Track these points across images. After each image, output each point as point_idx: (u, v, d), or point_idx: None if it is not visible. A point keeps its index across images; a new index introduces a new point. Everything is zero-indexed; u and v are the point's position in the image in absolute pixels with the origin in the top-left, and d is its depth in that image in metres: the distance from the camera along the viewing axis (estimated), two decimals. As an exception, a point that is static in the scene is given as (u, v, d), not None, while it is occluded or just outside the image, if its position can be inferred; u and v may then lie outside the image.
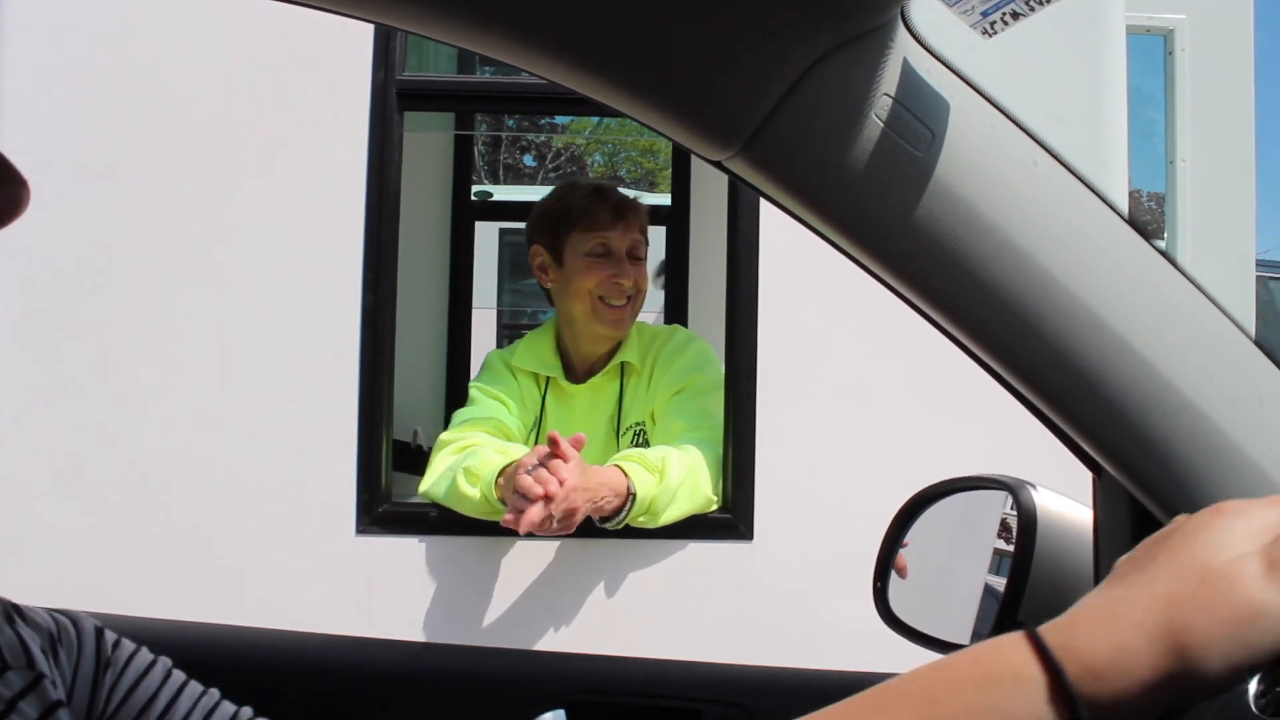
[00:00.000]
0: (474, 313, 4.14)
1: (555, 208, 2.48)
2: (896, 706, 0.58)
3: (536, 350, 2.52)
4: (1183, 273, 0.87)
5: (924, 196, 0.78)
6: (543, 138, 16.30)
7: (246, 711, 0.89)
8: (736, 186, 2.18)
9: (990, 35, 0.74)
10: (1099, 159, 2.22)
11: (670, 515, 2.07)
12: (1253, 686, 0.78)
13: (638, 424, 2.38)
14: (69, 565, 2.07)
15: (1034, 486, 1.19)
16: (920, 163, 0.78)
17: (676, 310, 3.97)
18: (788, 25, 0.71)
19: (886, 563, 1.29)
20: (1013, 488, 1.19)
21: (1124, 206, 0.90)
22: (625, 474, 2.02)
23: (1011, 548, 1.19)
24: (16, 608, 0.82)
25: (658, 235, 3.05)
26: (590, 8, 0.71)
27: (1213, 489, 0.87)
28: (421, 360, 3.87)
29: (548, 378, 2.48)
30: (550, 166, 17.18)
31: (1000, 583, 1.19)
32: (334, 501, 2.12)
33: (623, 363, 2.44)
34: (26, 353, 2.14)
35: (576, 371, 2.50)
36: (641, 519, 2.04)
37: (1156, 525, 0.91)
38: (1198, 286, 0.88)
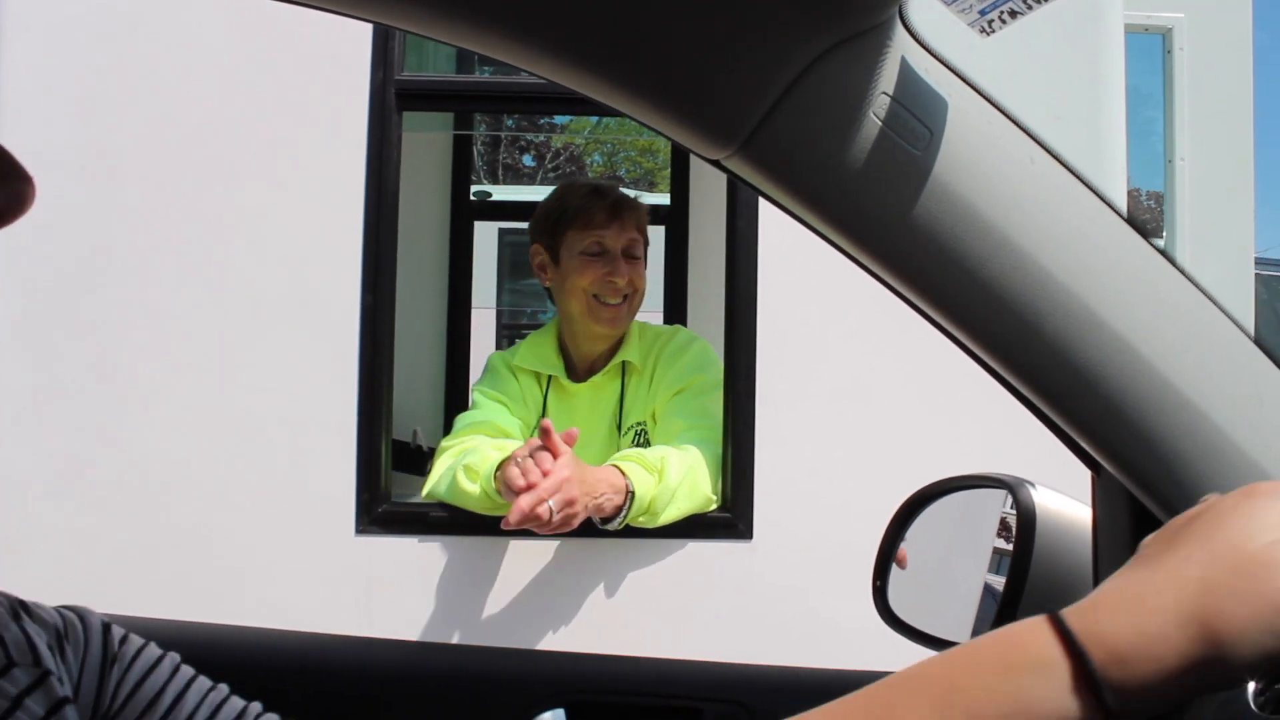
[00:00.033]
0: (473, 312, 4.14)
1: (554, 207, 2.50)
2: (918, 694, 0.57)
3: (539, 350, 2.53)
4: (1181, 271, 0.88)
5: (922, 195, 0.78)
6: (542, 138, 16.31)
7: (255, 707, 0.88)
8: (735, 186, 2.18)
9: (988, 34, 0.74)
10: (1098, 158, 2.23)
11: (670, 515, 2.07)
12: (1251, 684, 0.78)
13: (639, 424, 2.39)
14: (68, 565, 2.07)
15: (1033, 485, 1.19)
16: (918, 161, 0.78)
17: (676, 310, 3.98)
18: (786, 24, 0.72)
19: (886, 561, 1.29)
20: (1011, 486, 1.19)
21: (1123, 205, 0.90)
22: (624, 474, 2.02)
23: (1011, 546, 1.19)
24: (23, 604, 0.82)
25: (657, 235, 3.05)
26: (588, 7, 0.71)
27: (1211, 487, 0.86)
28: (421, 360, 3.87)
29: (549, 377, 2.48)
30: (549, 166, 17.19)
31: (1000, 581, 1.19)
32: (333, 501, 2.12)
33: (624, 362, 2.44)
34: (26, 353, 2.14)
35: (578, 371, 2.51)
36: (641, 519, 2.04)
37: (1156, 523, 0.91)
38: (1196, 285, 0.88)
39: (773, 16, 0.71)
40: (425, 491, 2.25)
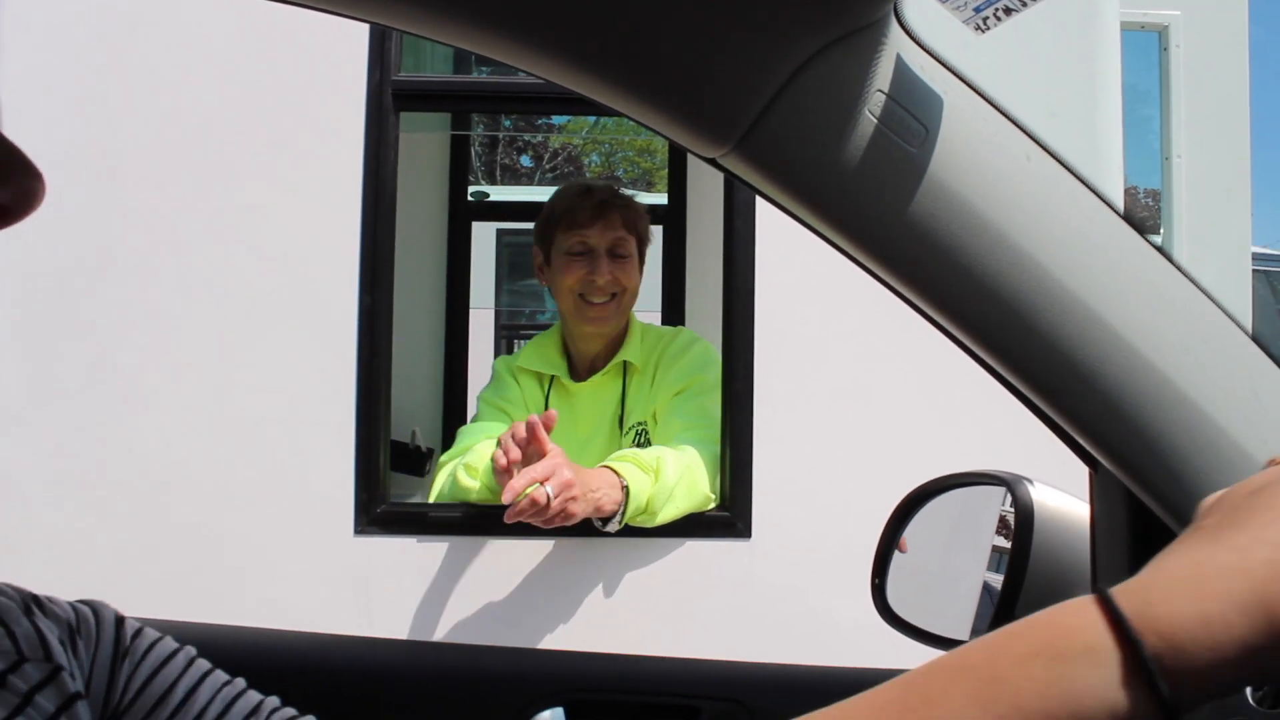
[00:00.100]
0: (471, 313, 4.14)
1: (547, 209, 2.51)
2: (957, 684, 0.53)
3: (542, 350, 2.55)
4: (1178, 268, 0.88)
5: (918, 192, 0.78)
6: (539, 138, 16.29)
7: (272, 701, 0.87)
8: (733, 186, 2.18)
9: (983, 31, 0.74)
10: (1094, 155, 2.23)
11: (668, 514, 2.07)
12: None
13: (640, 423, 2.39)
14: (68, 565, 2.07)
15: (1031, 482, 1.19)
16: (914, 158, 0.78)
17: (673, 310, 3.98)
18: (781, 22, 0.72)
19: (884, 559, 1.29)
20: (1009, 483, 1.20)
21: (1119, 202, 0.90)
22: (619, 474, 2.02)
23: (1009, 544, 1.19)
24: (36, 599, 0.82)
25: (655, 235, 3.05)
26: (584, 6, 0.72)
27: (1209, 484, 0.87)
28: (419, 360, 3.87)
29: (551, 377, 2.49)
30: (547, 167, 17.18)
31: (999, 579, 1.20)
32: (332, 501, 2.12)
33: (625, 362, 2.44)
34: (26, 352, 2.14)
35: (579, 371, 2.51)
36: (640, 518, 2.05)
37: (1153, 519, 0.92)
38: (1193, 281, 0.88)
39: (768, 14, 0.71)
40: (431, 500, 2.27)
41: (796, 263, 2.13)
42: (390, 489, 2.20)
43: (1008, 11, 0.73)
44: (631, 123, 0.83)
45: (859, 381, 2.20)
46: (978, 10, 0.74)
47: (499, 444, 2.01)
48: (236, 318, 2.15)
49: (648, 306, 2.62)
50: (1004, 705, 0.51)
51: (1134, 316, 0.84)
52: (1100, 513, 1.05)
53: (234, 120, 2.18)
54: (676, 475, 2.07)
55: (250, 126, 2.18)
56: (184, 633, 0.89)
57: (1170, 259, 0.88)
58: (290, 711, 0.87)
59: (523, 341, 7.61)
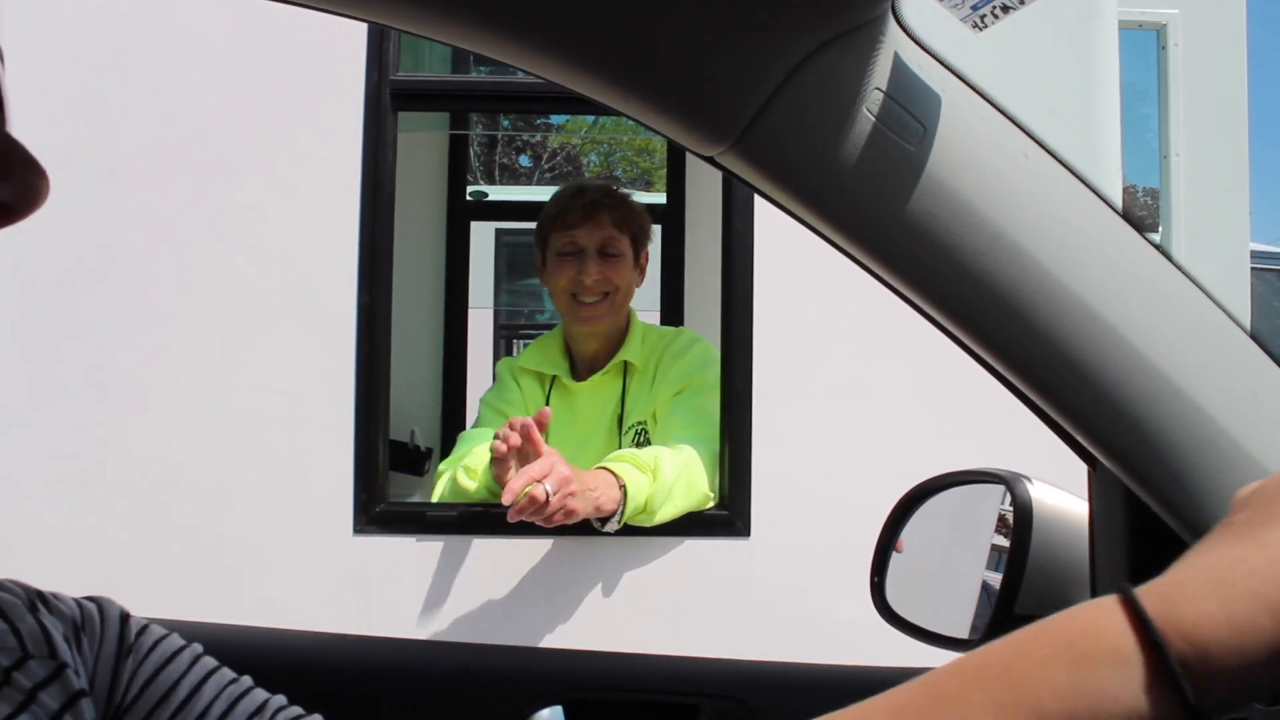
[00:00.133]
0: (470, 312, 4.14)
1: (544, 210, 2.52)
2: (977, 687, 0.51)
3: (544, 350, 2.56)
4: (1176, 265, 0.88)
5: (916, 190, 0.78)
6: (538, 137, 16.29)
7: (278, 700, 0.86)
8: (731, 184, 2.19)
9: (980, 29, 0.74)
10: (1093, 153, 2.23)
11: (667, 513, 2.07)
12: None
13: (639, 423, 2.39)
14: (67, 565, 2.07)
15: (1029, 480, 1.19)
16: (912, 156, 0.78)
17: (672, 309, 3.98)
18: (779, 20, 0.72)
19: (883, 558, 1.29)
20: (1008, 481, 1.20)
21: (1117, 199, 0.91)
22: (616, 475, 2.02)
23: (1008, 542, 1.19)
24: (41, 596, 0.81)
25: (653, 234, 3.05)
26: (582, 4, 0.72)
27: (1207, 481, 0.87)
28: (418, 360, 3.87)
29: (553, 377, 2.49)
30: (546, 166, 17.17)
31: (998, 578, 1.20)
32: (331, 501, 2.12)
33: (625, 362, 2.45)
34: (24, 353, 2.14)
35: (580, 370, 2.52)
36: (640, 517, 2.05)
37: (1152, 517, 0.92)
38: (1191, 279, 0.88)
39: (766, 12, 0.71)
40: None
41: (795, 261, 2.13)
42: (389, 488, 2.20)
43: (1005, 9, 0.73)
44: (630, 122, 0.83)
45: (857, 380, 2.20)
46: (975, 8, 0.74)
47: (496, 436, 2.02)
48: (236, 317, 2.15)
49: (647, 305, 2.62)
50: (1024, 710, 0.49)
51: (1132, 314, 0.85)
52: (1099, 510, 1.05)
53: (233, 120, 2.18)
54: (675, 474, 2.07)
55: (249, 126, 2.18)
56: (183, 631, 0.89)
57: (1168, 257, 0.88)
58: (296, 710, 0.86)
59: (521, 341, 7.62)
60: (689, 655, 2.06)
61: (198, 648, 0.87)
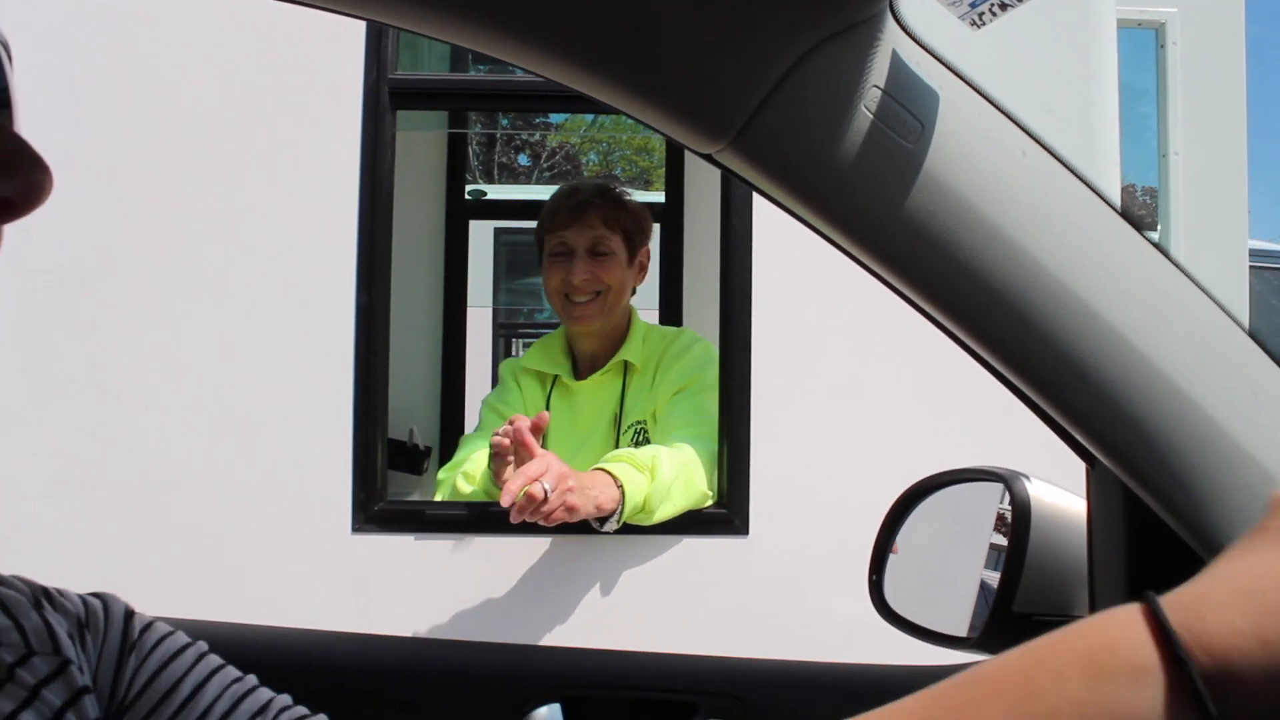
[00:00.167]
0: (469, 311, 4.14)
1: (541, 211, 2.53)
2: (991, 699, 0.49)
3: (547, 349, 2.57)
4: (1174, 263, 0.88)
5: (914, 188, 0.78)
6: (537, 136, 16.28)
7: (282, 699, 0.86)
8: (730, 183, 2.19)
9: (978, 26, 0.74)
10: (1091, 152, 2.23)
11: (665, 512, 2.07)
12: None
13: (639, 422, 2.39)
14: (65, 564, 2.07)
15: (1028, 478, 1.19)
16: (910, 154, 0.78)
17: (671, 307, 3.98)
18: (777, 18, 0.72)
19: (882, 556, 1.29)
20: (1006, 479, 1.20)
21: (1115, 198, 0.91)
22: (613, 475, 2.02)
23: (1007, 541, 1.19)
24: (46, 592, 0.81)
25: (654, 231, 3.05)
26: (581, 2, 0.72)
27: (1206, 479, 0.87)
28: (417, 359, 3.87)
29: (554, 376, 2.50)
30: (545, 165, 17.16)
31: (997, 577, 1.20)
32: (329, 500, 2.12)
33: (625, 362, 2.45)
34: (24, 352, 2.14)
35: (581, 369, 2.52)
36: (638, 516, 2.05)
37: (1150, 515, 0.92)
38: (1189, 277, 0.88)
39: (764, 10, 0.71)
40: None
41: (793, 260, 2.13)
42: (387, 487, 2.20)
43: (1003, 7, 0.73)
44: (629, 121, 0.83)
45: (856, 378, 2.20)
46: (973, 5, 0.74)
47: (495, 433, 2.02)
48: (234, 316, 2.15)
49: (645, 304, 2.62)
50: None
51: (1131, 312, 0.84)
52: (1097, 509, 1.05)
53: (231, 119, 2.18)
54: (673, 473, 2.07)
55: (247, 125, 2.18)
56: (186, 628, 0.88)
57: (1166, 255, 0.88)
58: (301, 710, 0.86)
59: (520, 340, 7.61)
60: (687, 653, 2.06)
61: (202, 646, 0.86)
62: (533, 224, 2.57)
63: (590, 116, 12.08)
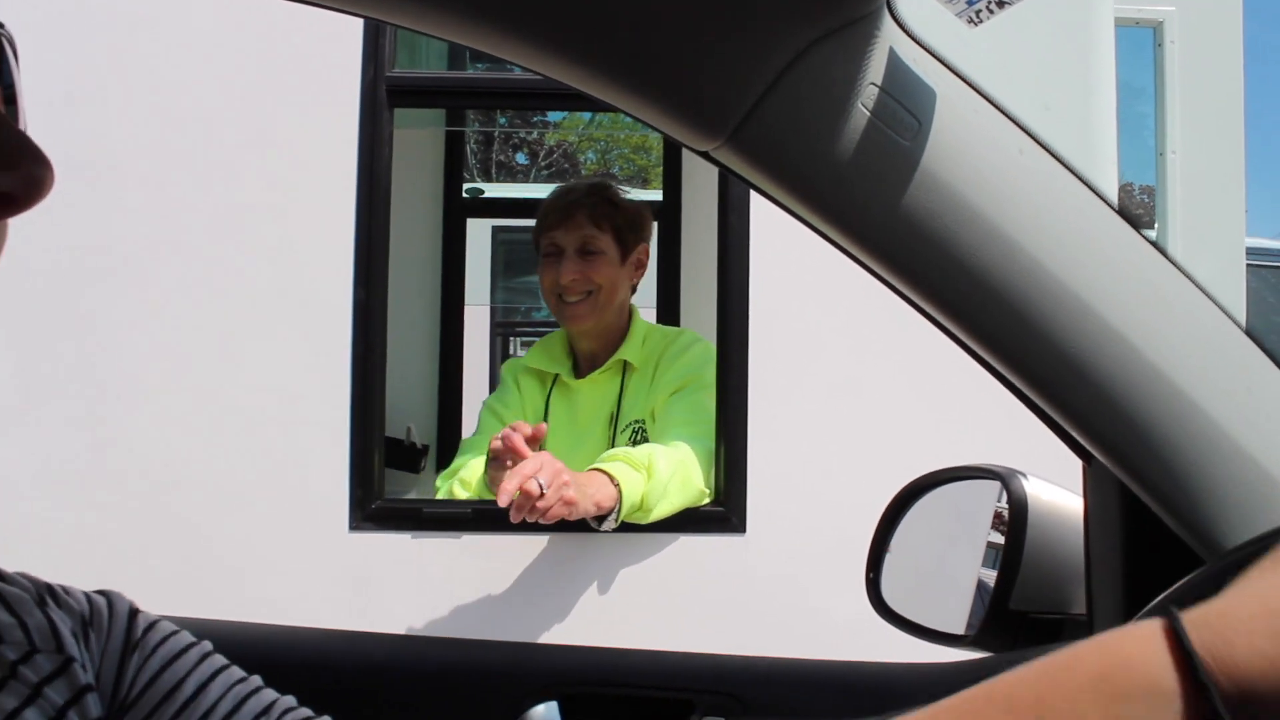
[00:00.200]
0: (467, 310, 4.13)
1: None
2: (1001, 718, 0.47)
3: (549, 348, 2.58)
4: (1171, 261, 0.88)
5: (911, 185, 0.78)
6: (534, 135, 16.29)
7: (286, 700, 0.85)
8: (727, 181, 2.19)
9: (975, 24, 0.74)
10: (1089, 151, 2.23)
11: (663, 509, 2.07)
12: None
13: (637, 421, 2.39)
14: (62, 564, 2.06)
15: (1025, 476, 1.19)
16: (907, 151, 0.78)
17: (668, 306, 3.98)
18: (774, 15, 0.72)
19: (879, 554, 1.29)
20: (1003, 477, 1.20)
21: (1113, 196, 0.91)
22: (610, 475, 2.02)
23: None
24: (51, 589, 0.81)
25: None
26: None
27: (1202, 476, 0.87)
28: (414, 357, 3.87)
29: (555, 375, 2.50)
30: (543, 164, 17.16)
31: (994, 575, 1.20)
32: (327, 498, 2.12)
33: (624, 361, 2.45)
34: (22, 351, 2.14)
35: (582, 368, 2.53)
36: (636, 515, 2.05)
37: (1147, 513, 0.92)
38: (1186, 275, 0.88)
39: (761, 7, 0.71)
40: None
41: (790, 258, 2.13)
42: (384, 486, 2.20)
43: (1000, 5, 0.73)
44: (627, 119, 0.83)
45: (853, 376, 2.21)
46: (970, 3, 0.74)
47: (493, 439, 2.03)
48: (232, 315, 2.15)
49: (643, 302, 2.62)
50: None
51: (1128, 310, 0.85)
52: (1094, 506, 1.05)
53: (228, 117, 2.17)
54: (670, 471, 2.07)
55: (244, 123, 2.18)
56: (189, 627, 0.88)
57: (1163, 252, 0.88)
58: (305, 712, 0.85)
59: (518, 339, 7.60)
60: (684, 651, 2.06)
61: (207, 645, 0.86)
62: (530, 222, 2.57)
63: (588, 115, 12.09)
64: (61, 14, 2.17)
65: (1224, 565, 0.79)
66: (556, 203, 2.47)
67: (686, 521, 2.14)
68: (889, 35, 0.77)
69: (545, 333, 2.66)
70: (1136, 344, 0.84)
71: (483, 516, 2.12)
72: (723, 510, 2.16)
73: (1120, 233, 0.86)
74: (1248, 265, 3.01)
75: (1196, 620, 0.45)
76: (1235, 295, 2.91)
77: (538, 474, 1.89)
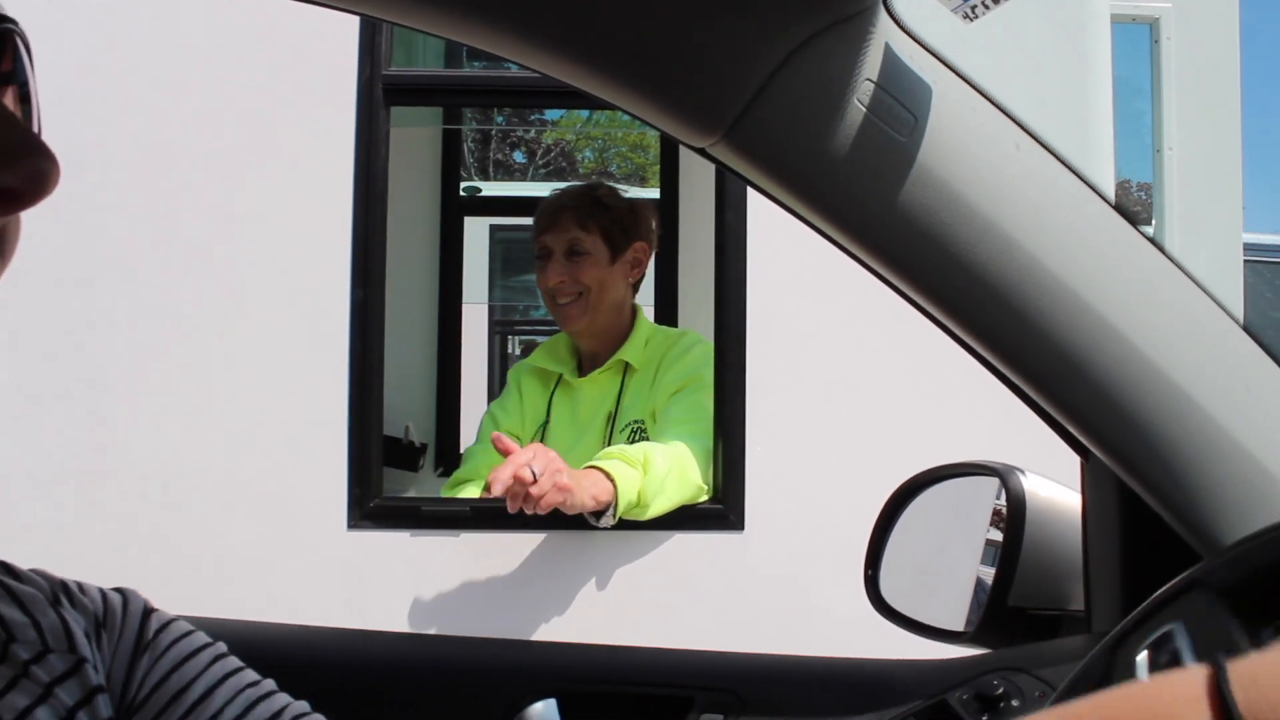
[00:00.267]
0: (466, 308, 4.13)
1: None
2: None
3: (554, 348, 2.59)
4: (1167, 256, 0.88)
5: (907, 181, 0.78)
6: (532, 133, 16.27)
7: (299, 705, 0.83)
8: (724, 179, 2.18)
9: (971, 19, 0.74)
10: (1086, 148, 2.23)
11: (661, 505, 2.07)
12: None
13: (637, 421, 2.39)
14: (61, 562, 2.06)
15: (1023, 472, 1.19)
16: (903, 147, 0.78)
17: (666, 304, 3.97)
18: (770, 10, 0.72)
19: (878, 551, 1.29)
20: (1002, 473, 1.20)
21: (1109, 191, 0.91)
22: (605, 472, 2.02)
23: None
24: (66, 588, 0.80)
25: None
26: (573, -4, 0.72)
27: (1200, 473, 0.87)
28: (413, 356, 3.87)
29: (559, 374, 2.51)
30: (540, 162, 17.15)
31: (993, 573, 1.20)
32: (325, 496, 2.12)
33: (624, 362, 2.45)
34: (20, 351, 2.14)
35: (584, 368, 2.53)
36: (634, 511, 2.05)
37: (1144, 508, 0.92)
38: (1183, 271, 0.88)
39: (757, 3, 0.71)
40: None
41: (788, 256, 2.13)
42: (383, 484, 2.20)
43: (996, 0, 0.73)
44: (624, 118, 0.83)
45: (851, 373, 2.21)
46: (965, -1, 0.74)
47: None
48: (229, 313, 2.15)
49: (642, 301, 2.62)
50: None
51: (1125, 306, 0.85)
52: (1092, 502, 1.06)
53: (225, 116, 2.17)
54: (666, 467, 2.07)
55: (241, 122, 2.17)
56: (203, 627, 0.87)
57: (1160, 249, 0.88)
58: (318, 718, 0.83)
59: (517, 337, 7.60)
60: (683, 648, 2.06)
61: (220, 647, 0.84)
62: (528, 220, 2.58)
63: (585, 113, 12.06)
64: (56, 12, 2.16)
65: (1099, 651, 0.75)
66: (547, 206, 2.50)
67: (684, 519, 2.14)
68: (885, 31, 0.77)
69: (543, 331, 2.68)
70: (1134, 340, 0.84)
71: (481, 515, 2.12)
72: (721, 507, 2.16)
73: (1117, 229, 0.86)
74: (1245, 261, 3.01)
75: (1245, 681, 0.40)
76: (1233, 291, 2.91)
77: (531, 462, 1.89)
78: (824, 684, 1.21)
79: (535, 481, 1.89)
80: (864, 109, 0.76)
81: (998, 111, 0.82)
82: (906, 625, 1.26)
